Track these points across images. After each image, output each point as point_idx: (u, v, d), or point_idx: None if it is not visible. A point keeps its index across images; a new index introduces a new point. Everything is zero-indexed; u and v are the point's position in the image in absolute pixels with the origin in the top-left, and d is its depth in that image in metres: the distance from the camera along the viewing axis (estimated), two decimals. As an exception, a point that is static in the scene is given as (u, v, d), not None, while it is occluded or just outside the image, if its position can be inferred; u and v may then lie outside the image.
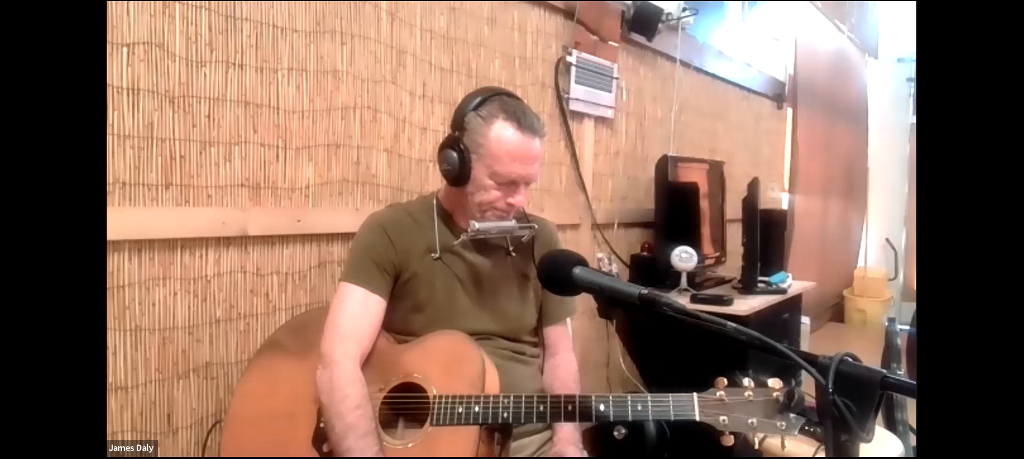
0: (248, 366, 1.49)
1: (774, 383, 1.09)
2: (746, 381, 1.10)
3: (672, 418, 1.15)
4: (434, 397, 1.28)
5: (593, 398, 1.23)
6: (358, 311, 1.37)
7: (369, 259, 1.41)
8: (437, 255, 1.44)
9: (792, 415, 1.05)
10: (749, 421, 1.08)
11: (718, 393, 1.11)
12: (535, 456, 1.47)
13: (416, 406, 1.32)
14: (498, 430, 1.31)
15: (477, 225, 1.40)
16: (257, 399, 1.39)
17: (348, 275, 1.41)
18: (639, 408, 1.20)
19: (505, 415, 1.25)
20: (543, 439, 1.48)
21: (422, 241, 1.45)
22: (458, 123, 1.40)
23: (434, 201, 1.50)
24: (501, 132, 1.36)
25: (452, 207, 1.48)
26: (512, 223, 1.45)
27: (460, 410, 1.26)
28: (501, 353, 1.43)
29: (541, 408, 1.25)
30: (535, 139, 1.38)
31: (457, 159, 1.38)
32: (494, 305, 1.47)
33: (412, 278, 1.43)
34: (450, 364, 1.32)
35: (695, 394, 1.14)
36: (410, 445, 1.28)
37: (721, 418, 1.10)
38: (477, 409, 1.26)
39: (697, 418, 1.13)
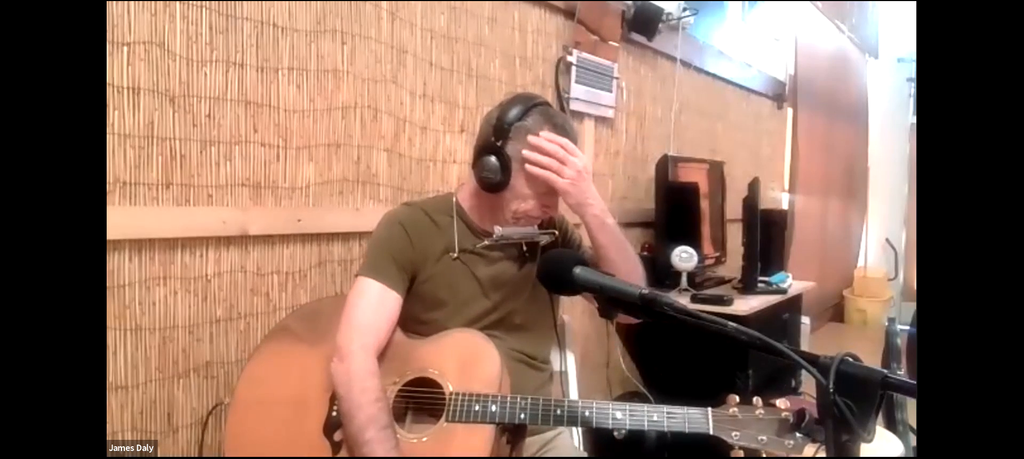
0: (256, 350, 1.47)
1: (782, 403, 1.12)
2: (756, 400, 1.13)
3: (686, 431, 1.17)
4: (451, 393, 1.28)
5: (610, 406, 1.24)
6: (375, 306, 1.36)
7: (388, 255, 1.40)
8: (455, 255, 1.44)
9: (799, 435, 1.08)
10: (759, 438, 1.11)
11: (731, 410, 1.14)
12: (536, 456, 1.47)
13: (429, 401, 1.31)
14: (509, 431, 1.31)
15: (501, 231, 1.41)
16: (266, 384, 1.38)
17: (366, 269, 1.40)
18: (654, 418, 1.21)
19: (522, 416, 1.25)
20: (544, 440, 1.48)
21: (440, 241, 1.44)
22: (500, 131, 1.38)
23: (454, 202, 1.49)
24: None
25: (475, 210, 1.47)
26: (535, 229, 1.46)
27: (477, 408, 1.26)
28: (513, 356, 1.42)
29: (558, 411, 1.26)
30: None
31: (499, 167, 1.37)
32: (511, 308, 1.46)
33: (429, 278, 1.42)
34: (468, 362, 1.32)
35: (710, 409, 1.16)
36: (424, 439, 1.27)
37: (733, 433, 1.13)
38: (494, 408, 1.26)
39: (711, 432, 1.15)
